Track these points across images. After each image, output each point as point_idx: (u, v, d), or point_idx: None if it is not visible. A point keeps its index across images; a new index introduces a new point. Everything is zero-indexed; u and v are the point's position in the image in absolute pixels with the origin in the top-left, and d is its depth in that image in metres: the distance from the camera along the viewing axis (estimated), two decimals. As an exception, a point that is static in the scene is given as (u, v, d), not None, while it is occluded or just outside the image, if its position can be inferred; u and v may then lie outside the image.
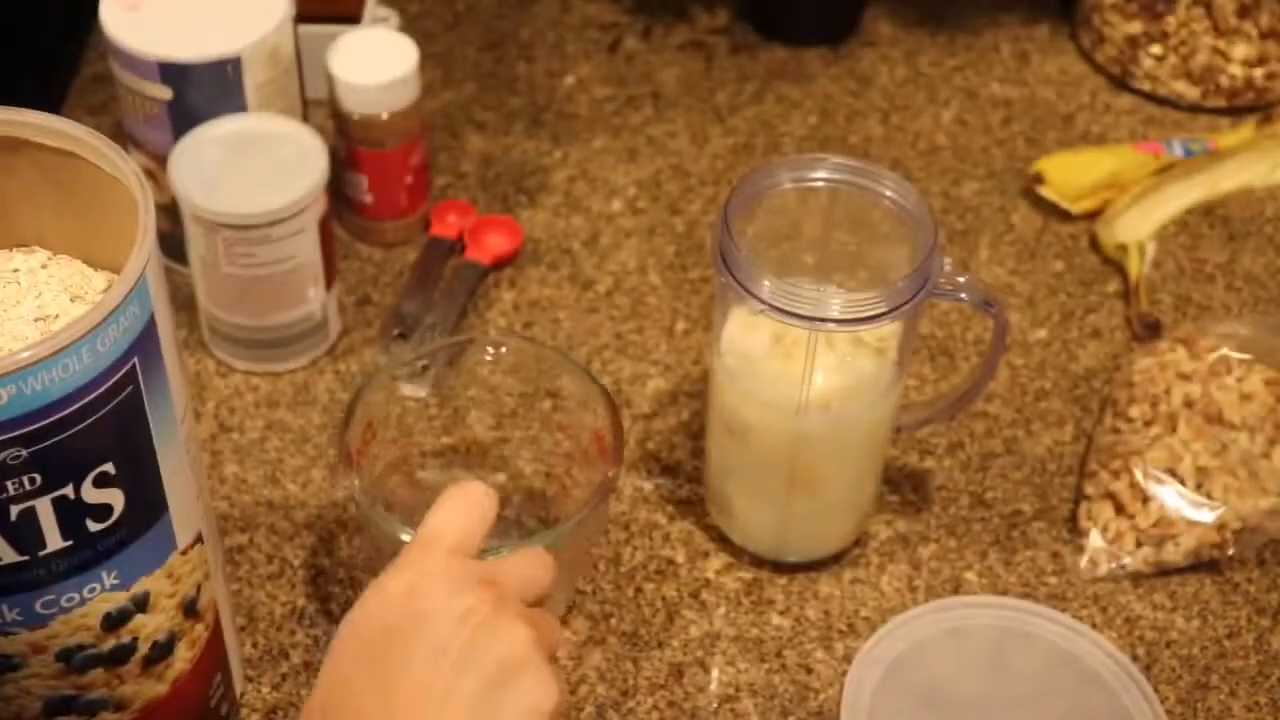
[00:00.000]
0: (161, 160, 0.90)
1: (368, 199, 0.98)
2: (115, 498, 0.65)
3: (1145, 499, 0.86)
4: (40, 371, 0.59)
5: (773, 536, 0.85)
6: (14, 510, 0.62)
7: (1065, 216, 1.04)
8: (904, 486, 0.89)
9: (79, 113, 1.06)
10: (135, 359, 0.63)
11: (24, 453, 0.61)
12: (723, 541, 0.86)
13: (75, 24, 1.11)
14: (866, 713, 0.78)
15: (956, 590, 0.85)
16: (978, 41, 1.16)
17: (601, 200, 1.04)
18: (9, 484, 0.61)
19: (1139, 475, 0.86)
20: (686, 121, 1.09)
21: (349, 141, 0.96)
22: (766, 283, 0.74)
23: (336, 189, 0.97)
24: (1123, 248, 1.01)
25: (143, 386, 0.64)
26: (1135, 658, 0.82)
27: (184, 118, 0.90)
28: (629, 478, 0.89)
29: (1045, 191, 1.04)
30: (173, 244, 0.92)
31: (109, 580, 0.67)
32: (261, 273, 0.89)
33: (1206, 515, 0.85)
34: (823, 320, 0.74)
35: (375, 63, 0.94)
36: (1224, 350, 0.90)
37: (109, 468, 0.64)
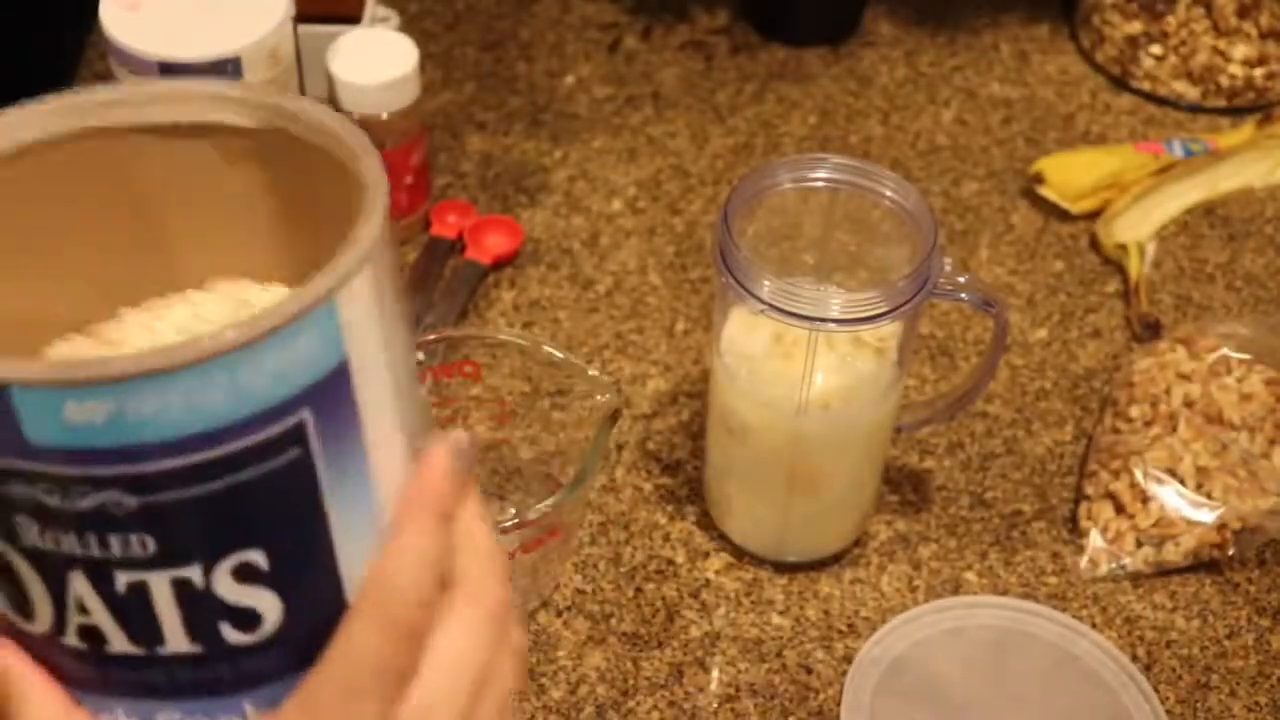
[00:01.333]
0: (161, 160, 0.90)
1: (368, 199, 0.98)
2: (268, 604, 0.47)
3: (1145, 499, 0.86)
4: (146, 390, 0.43)
5: (773, 536, 0.85)
6: (121, 579, 0.46)
7: (1065, 216, 1.04)
8: (904, 486, 0.89)
9: (79, 113, 1.06)
10: (305, 415, 0.45)
11: (130, 502, 0.45)
12: (723, 541, 0.86)
13: (75, 24, 1.11)
14: (866, 713, 0.78)
15: (956, 590, 0.85)
16: (978, 41, 1.16)
17: (601, 200, 1.04)
18: (112, 539, 0.45)
19: (1139, 475, 0.86)
20: (686, 121, 1.09)
21: (349, 141, 0.96)
22: (766, 283, 0.74)
23: (336, 189, 0.97)
24: (1123, 248, 1.01)
25: (317, 458, 0.46)
26: (1135, 658, 0.82)
27: (184, 118, 0.89)
28: (629, 477, 0.89)
29: (1045, 191, 1.04)
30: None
31: (253, 715, 0.49)
32: (261, 273, 0.89)
33: (1206, 515, 0.85)
34: (823, 320, 0.74)
35: (375, 63, 0.94)
36: (1224, 350, 0.90)
37: (257, 558, 0.47)
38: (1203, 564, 0.86)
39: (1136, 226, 1.02)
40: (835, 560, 0.86)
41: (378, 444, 0.48)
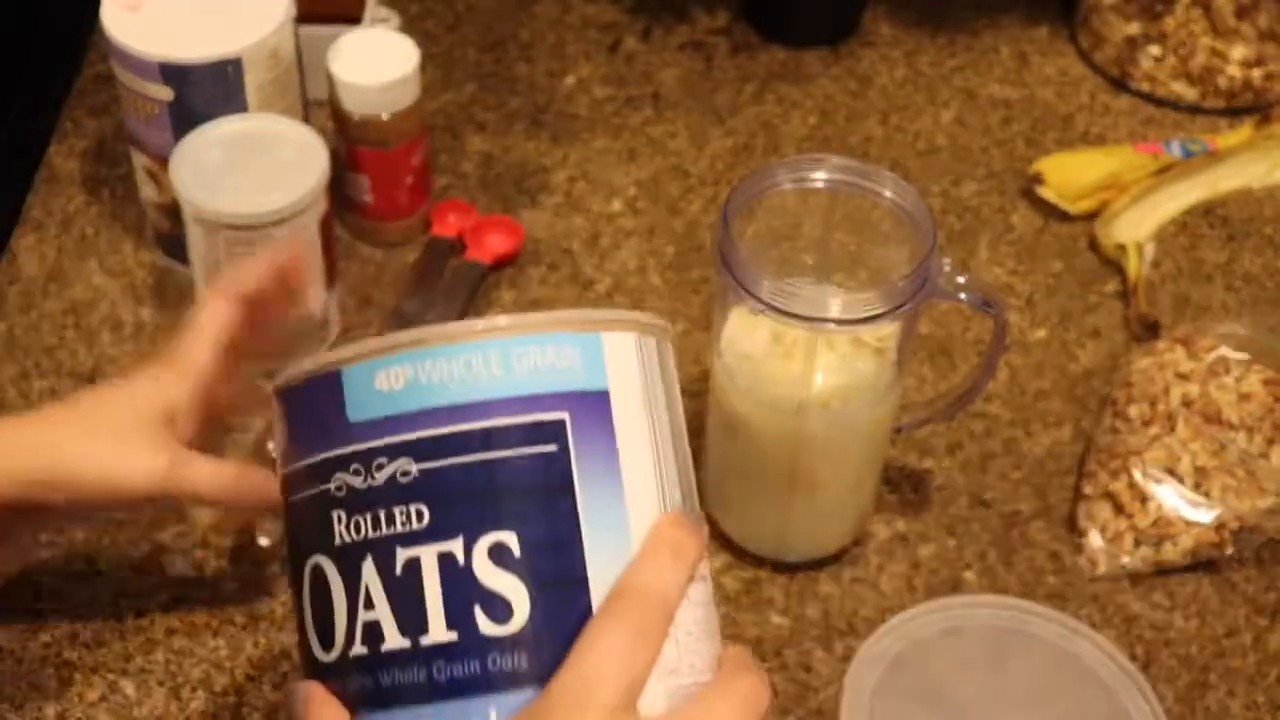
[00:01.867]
0: (162, 160, 0.90)
1: (368, 199, 0.99)
2: (516, 592, 0.51)
3: (1144, 499, 0.86)
4: (440, 357, 0.51)
5: (773, 536, 0.85)
6: (401, 556, 0.51)
7: (1065, 216, 1.04)
8: (904, 486, 0.89)
9: (80, 113, 1.06)
10: (566, 416, 0.52)
11: (414, 470, 0.51)
12: (723, 541, 0.86)
13: (76, 24, 1.11)
14: (866, 713, 0.78)
15: (956, 590, 0.85)
16: (978, 42, 1.16)
17: (601, 200, 1.04)
18: (396, 512, 0.51)
19: (1138, 475, 0.86)
20: (686, 122, 1.10)
21: (349, 142, 0.96)
22: (766, 283, 0.74)
23: (337, 189, 0.97)
24: (1122, 248, 1.01)
25: (573, 460, 0.51)
26: (1134, 657, 0.82)
27: (185, 118, 0.90)
28: (629, 477, 0.89)
29: (1045, 192, 1.04)
30: (173, 244, 0.93)
31: None
32: (262, 273, 0.89)
33: (1205, 515, 0.85)
34: (823, 320, 0.74)
35: (375, 63, 0.95)
36: (1222, 350, 0.90)
37: (509, 539, 0.51)
38: (1201, 563, 0.86)
39: (1136, 227, 1.02)
40: (835, 560, 0.86)
41: (633, 484, 0.53)
